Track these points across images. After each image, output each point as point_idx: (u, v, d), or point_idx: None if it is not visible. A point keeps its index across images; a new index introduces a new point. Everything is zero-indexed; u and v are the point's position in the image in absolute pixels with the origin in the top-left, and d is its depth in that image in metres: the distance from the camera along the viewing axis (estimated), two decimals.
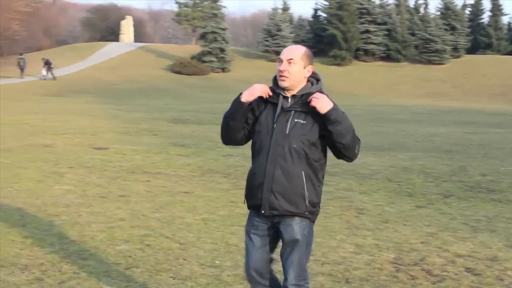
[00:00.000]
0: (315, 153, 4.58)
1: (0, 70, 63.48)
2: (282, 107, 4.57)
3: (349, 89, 57.81)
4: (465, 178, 13.30)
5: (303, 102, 4.56)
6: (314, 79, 4.74)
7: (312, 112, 4.50)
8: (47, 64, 55.89)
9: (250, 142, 4.80)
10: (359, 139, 4.61)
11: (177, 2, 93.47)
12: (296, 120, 4.51)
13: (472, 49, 74.36)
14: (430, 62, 67.72)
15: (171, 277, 6.48)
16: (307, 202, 4.56)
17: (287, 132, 4.49)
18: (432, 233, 8.68)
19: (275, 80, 4.67)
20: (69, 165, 13.59)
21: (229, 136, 4.77)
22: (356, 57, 70.65)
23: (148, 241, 7.77)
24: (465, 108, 42.27)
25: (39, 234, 7.96)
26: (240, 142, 4.81)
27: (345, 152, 4.59)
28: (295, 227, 4.60)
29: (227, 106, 4.81)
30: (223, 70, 66.92)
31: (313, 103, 4.43)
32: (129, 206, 9.71)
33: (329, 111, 4.41)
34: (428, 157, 16.41)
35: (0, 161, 13.70)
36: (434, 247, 7.97)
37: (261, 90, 4.59)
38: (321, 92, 4.62)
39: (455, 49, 69.85)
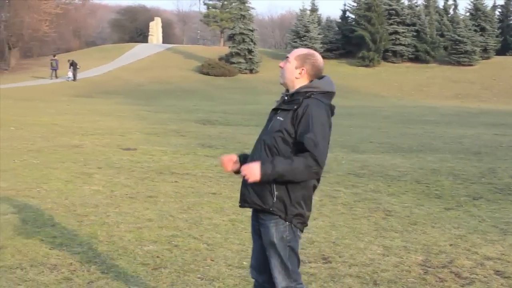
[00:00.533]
0: (287, 150, 4.50)
1: (31, 71, 64.09)
2: (275, 107, 4.72)
3: (377, 90, 57.62)
4: (495, 180, 13.19)
5: (289, 100, 4.61)
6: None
7: (290, 110, 4.53)
8: (73, 66, 56.35)
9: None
10: (311, 164, 4.39)
11: (205, 4, 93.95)
12: (278, 117, 4.60)
13: (502, 50, 73.61)
14: (459, 63, 67.23)
15: (198, 278, 6.50)
16: (274, 197, 4.51)
17: (268, 128, 4.64)
18: (461, 235, 8.62)
19: None
20: (97, 165, 13.68)
21: None
22: (385, 58, 70.31)
23: (176, 242, 7.80)
24: (494, 109, 41.93)
25: (68, 234, 8.01)
26: None
27: None
28: (272, 230, 4.58)
29: (254, 108, 4.89)
30: (251, 71, 66.97)
31: (247, 179, 4.47)
32: (157, 207, 9.74)
33: (262, 177, 4.40)
34: (457, 159, 16.31)
35: (30, 161, 13.82)
36: (463, 249, 7.91)
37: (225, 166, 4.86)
38: (306, 92, 4.61)
39: (485, 50, 69.24)
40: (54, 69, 57.88)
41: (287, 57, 4.72)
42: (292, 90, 4.66)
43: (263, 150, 4.56)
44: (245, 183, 4.58)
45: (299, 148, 4.46)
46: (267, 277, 4.75)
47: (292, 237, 4.62)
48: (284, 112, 4.57)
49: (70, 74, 56.29)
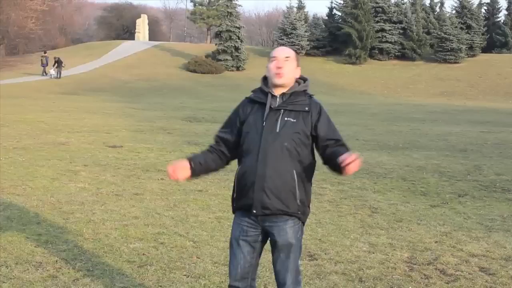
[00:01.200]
0: (305, 152, 4.56)
1: (16, 68, 63.81)
2: (271, 107, 4.54)
3: (364, 88, 57.73)
4: (480, 178, 13.25)
5: (291, 101, 4.56)
6: (301, 79, 4.71)
7: (301, 111, 4.53)
8: (58, 63, 56.30)
9: None
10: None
11: (192, 1, 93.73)
12: (286, 118, 4.50)
13: (488, 48, 73.97)
14: (445, 61, 67.46)
15: (184, 275, 6.49)
16: (298, 201, 4.53)
17: (277, 130, 4.47)
18: (446, 232, 8.65)
19: (265, 79, 4.67)
20: (83, 163, 13.64)
21: (225, 165, 4.96)
22: (371, 56, 70.49)
23: (161, 239, 7.79)
24: (480, 107, 42.08)
25: (53, 231, 7.99)
26: (234, 156, 4.84)
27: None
28: (289, 231, 4.56)
29: None
30: (238, 68, 66.98)
31: (350, 170, 4.39)
32: (143, 204, 9.73)
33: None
34: (443, 156, 16.37)
35: (15, 159, 13.77)
36: (448, 246, 7.94)
37: (170, 174, 4.72)
38: (307, 92, 4.67)
39: (471, 48, 69.54)
40: (44, 65, 58.20)
41: (287, 56, 4.58)
42: (287, 90, 4.60)
43: (280, 154, 4.46)
44: (260, 188, 4.45)
45: (326, 145, 4.60)
46: (249, 282, 4.71)
47: (301, 234, 4.69)
48: (292, 113, 4.52)
49: (53, 71, 56.16)
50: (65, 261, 6.80)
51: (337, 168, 4.47)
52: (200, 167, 4.74)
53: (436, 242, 8.14)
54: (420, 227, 8.92)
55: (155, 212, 9.25)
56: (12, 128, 20.03)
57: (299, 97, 4.59)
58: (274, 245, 4.62)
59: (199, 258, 7.10)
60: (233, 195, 4.75)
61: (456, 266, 7.13)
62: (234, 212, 4.79)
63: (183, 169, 4.68)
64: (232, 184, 4.79)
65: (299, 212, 4.57)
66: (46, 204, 9.51)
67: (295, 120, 4.50)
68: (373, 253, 7.54)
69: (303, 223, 4.68)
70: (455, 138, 21.05)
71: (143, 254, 7.17)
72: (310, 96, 4.65)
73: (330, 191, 11.33)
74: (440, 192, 11.68)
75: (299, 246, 4.65)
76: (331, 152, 4.55)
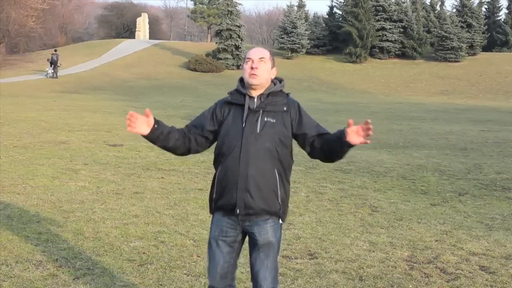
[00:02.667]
0: (284, 152, 4.58)
1: (17, 66, 63.78)
2: (249, 108, 4.57)
3: (364, 86, 57.67)
4: (480, 176, 13.25)
5: (269, 102, 4.59)
6: (277, 80, 4.74)
7: (280, 112, 4.58)
8: (54, 63, 56.28)
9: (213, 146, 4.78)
10: None
11: (192, 0, 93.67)
12: (266, 119, 4.54)
13: (488, 47, 73.91)
14: (445, 59, 67.38)
15: (184, 274, 6.50)
16: (279, 200, 4.57)
17: (258, 131, 4.51)
18: (447, 231, 8.66)
19: (241, 81, 4.69)
20: (84, 161, 13.64)
21: (182, 152, 4.85)
22: (372, 55, 70.39)
23: (162, 238, 7.80)
24: (480, 106, 42.08)
25: (53, 230, 7.99)
26: (200, 150, 4.83)
27: (333, 159, 4.70)
28: (269, 230, 4.57)
29: None
30: (238, 67, 66.84)
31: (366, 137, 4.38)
32: (143, 203, 9.73)
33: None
34: (443, 155, 16.37)
35: (16, 158, 13.77)
36: (449, 245, 7.95)
37: (128, 123, 4.57)
38: (284, 91, 4.69)
39: (471, 46, 69.44)
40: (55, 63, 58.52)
41: (262, 57, 4.61)
42: (264, 90, 4.63)
43: (262, 154, 4.50)
44: (243, 188, 4.46)
45: (313, 140, 4.60)
46: (229, 282, 4.73)
47: (281, 233, 4.70)
48: (271, 113, 4.56)
49: (50, 70, 56.16)
50: (65, 260, 6.80)
51: (335, 146, 4.52)
52: (161, 135, 4.66)
53: (436, 240, 8.15)
54: (420, 225, 8.93)
55: (155, 210, 9.25)
56: (12, 126, 20.03)
57: (277, 97, 4.63)
58: (253, 245, 4.64)
59: (199, 256, 7.10)
60: (211, 195, 4.73)
61: (456, 264, 7.14)
62: (212, 212, 4.78)
63: (144, 123, 4.60)
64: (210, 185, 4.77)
65: (281, 211, 4.60)
66: (46, 202, 9.51)
67: (274, 121, 4.54)
68: (374, 251, 7.55)
69: (283, 221, 4.70)
70: (456, 137, 21.06)
71: (144, 252, 7.17)
72: (287, 95, 4.71)
73: (330, 190, 11.33)
74: (441, 190, 11.69)
75: (278, 245, 4.67)
76: (323, 139, 4.59)
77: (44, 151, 14.91)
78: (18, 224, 8.19)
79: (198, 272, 6.55)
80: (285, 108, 4.59)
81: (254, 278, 4.66)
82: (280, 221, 4.65)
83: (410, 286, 6.43)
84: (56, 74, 55.70)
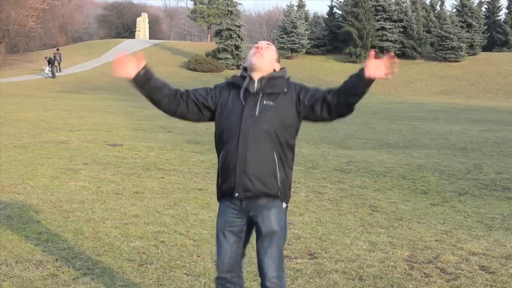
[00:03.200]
0: (285, 134, 4.56)
1: (17, 66, 63.78)
2: (249, 91, 4.57)
3: None
4: (480, 176, 13.25)
5: (269, 85, 4.59)
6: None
7: (280, 93, 4.57)
8: (51, 62, 56.39)
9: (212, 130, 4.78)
10: None
11: (192, 0, 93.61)
12: (265, 102, 4.54)
13: (488, 47, 73.97)
14: (445, 59, 67.42)
15: (184, 274, 6.50)
16: (279, 183, 4.56)
17: (256, 114, 4.51)
18: (447, 231, 8.65)
19: (244, 69, 4.69)
20: (84, 161, 13.64)
21: (164, 109, 4.78)
22: None
23: (162, 238, 7.79)
24: (480, 105, 42.09)
25: (53, 230, 7.99)
26: (188, 116, 4.79)
27: (348, 110, 4.58)
28: (273, 218, 4.59)
29: None
30: (238, 67, 66.86)
31: (390, 63, 4.35)
32: (143, 203, 9.73)
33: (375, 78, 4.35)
34: (443, 155, 16.37)
35: (16, 157, 13.77)
36: (449, 245, 7.95)
37: (116, 62, 4.60)
38: (285, 77, 4.67)
39: (471, 46, 69.48)
40: (58, 62, 58.83)
41: (269, 44, 4.68)
42: (265, 74, 4.61)
43: (260, 137, 4.50)
44: (241, 171, 4.48)
45: (324, 97, 4.54)
46: (236, 272, 4.75)
47: (286, 221, 4.72)
48: (271, 96, 4.56)
49: (47, 70, 56.22)
50: (65, 260, 6.80)
51: (352, 85, 4.47)
52: (147, 83, 4.68)
53: (436, 240, 8.14)
54: (420, 225, 8.93)
55: (155, 210, 9.25)
56: (12, 126, 20.04)
57: (277, 80, 4.62)
58: (258, 234, 4.66)
59: (199, 256, 7.10)
60: (217, 181, 4.76)
61: (456, 264, 7.13)
62: (219, 199, 4.80)
63: (131, 66, 4.63)
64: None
65: (280, 194, 4.60)
66: (46, 202, 9.51)
67: (273, 103, 4.54)
68: (373, 251, 7.54)
69: (286, 203, 4.69)
70: (456, 137, 21.06)
71: (143, 252, 7.17)
72: (288, 79, 4.69)
73: (330, 190, 11.33)
74: (440, 190, 11.68)
75: (284, 234, 4.69)
76: (337, 90, 4.55)
77: (44, 151, 14.91)
78: (18, 224, 8.19)
79: (198, 272, 6.55)
80: (285, 90, 4.58)
81: (259, 268, 4.69)
82: (284, 205, 4.65)
83: (410, 286, 6.43)
84: (54, 74, 55.72)
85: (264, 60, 4.59)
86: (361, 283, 6.43)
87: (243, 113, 4.52)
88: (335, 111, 4.56)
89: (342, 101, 4.50)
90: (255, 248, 4.71)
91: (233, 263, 4.70)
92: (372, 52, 4.35)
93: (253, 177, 4.49)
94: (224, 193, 4.69)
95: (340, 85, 4.52)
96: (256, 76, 4.61)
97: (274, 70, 4.68)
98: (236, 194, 4.55)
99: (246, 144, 4.48)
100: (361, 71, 4.34)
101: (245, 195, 4.53)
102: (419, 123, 27.17)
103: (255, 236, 4.71)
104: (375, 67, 4.31)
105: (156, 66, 63.29)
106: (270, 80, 4.60)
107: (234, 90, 4.66)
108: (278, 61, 4.74)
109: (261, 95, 4.56)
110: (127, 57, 4.59)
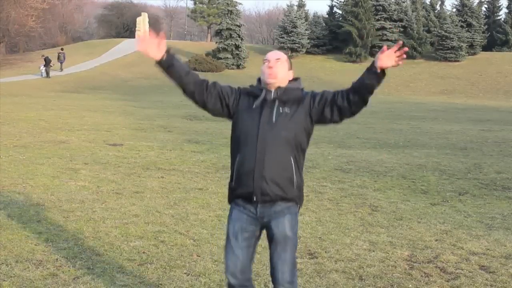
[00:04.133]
0: (300, 139, 4.69)
1: (17, 66, 63.79)
2: (266, 99, 4.68)
3: None
4: (480, 176, 13.25)
5: (286, 94, 4.70)
6: (294, 80, 4.86)
7: (296, 100, 4.70)
8: (46, 62, 56.35)
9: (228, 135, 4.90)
10: None
11: None
12: (281, 110, 4.65)
13: (488, 46, 73.96)
14: (445, 59, 67.45)
15: (184, 274, 6.50)
16: (295, 186, 4.68)
17: (273, 121, 4.61)
18: (447, 230, 8.65)
19: (259, 81, 4.81)
20: (84, 161, 13.64)
21: (189, 94, 4.90)
22: (372, 54, 70.21)
23: (162, 238, 7.79)
24: (480, 105, 42.08)
25: (53, 230, 7.99)
26: (208, 106, 4.94)
27: (360, 106, 4.67)
28: (287, 224, 4.65)
29: None
30: (238, 66, 67.00)
31: (400, 55, 4.43)
32: (143, 203, 9.73)
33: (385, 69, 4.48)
34: (443, 155, 16.37)
35: (16, 157, 13.77)
36: (449, 244, 7.95)
37: (139, 42, 4.72)
38: (300, 87, 4.81)
39: (471, 46, 69.53)
40: (61, 62, 58.97)
41: (278, 58, 4.74)
42: (281, 85, 4.71)
43: (283, 143, 4.61)
44: (259, 176, 4.56)
45: (330, 98, 4.69)
46: (248, 276, 4.78)
47: (297, 226, 4.79)
48: (287, 103, 4.68)
49: (43, 70, 56.20)
50: (65, 259, 6.80)
51: (364, 80, 4.55)
52: (172, 67, 4.78)
53: (436, 240, 8.14)
54: (420, 225, 8.93)
55: (155, 210, 9.25)
56: (12, 126, 20.03)
57: (293, 91, 4.74)
58: (272, 239, 4.70)
59: (199, 256, 7.10)
60: (230, 185, 4.80)
61: (456, 264, 7.13)
62: (230, 201, 4.83)
63: (157, 48, 4.73)
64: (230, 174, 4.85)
65: (296, 198, 4.72)
66: (46, 202, 9.51)
67: (289, 110, 4.66)
68: (373, 251, 7.54)
69: (300, 206, 4.83)
70: (456, 137, 21.06)
71: (143, 252, 7.17)
72: (302, 89, 4.81)
73: (330, 189, 11.33)
74: (441, 190, 11.68)
75: (296, 239, 4.73)
76: (349, 89, 4.66)
77: (44, 151, 14.91)
78: (18, 224, 8.18)
79: (198, 272, 6.55)
80: (300, 98, 4.72)
81: (272, 273, 4.72)
82: (298, 209, 4.76)
83: (410, 285, 6.43)
84: (48, 74, 55.66)
85: (278, 77, 4.70)
86: (361, 283, 6.43)
87: (261, 119, 4.63)
88: (347, 111, 4.67)
89: (355, 98, 4.60)
90: (268, 253, 4.75)
91: (245, 267, 4.74)
92: (385, 47, 4.43)
93: (271, 181, 4.58)
94: (239, 197, 4.73)
95: (350, 85, 4.63)
96: (272, 87, 4.73)
97: (289, 81, 4.79)
98: (255, 198, 4.62)
99: (264, 149, 4.58)
100: (372, 65, 4.47)
101: (263, 199, 4.61)
102: (419, 122, 27.17)
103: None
104: (386, 57, 4.43)
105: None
106: (287, 90, 4.72)
107: (252, 98, 4.77)
108: (291, 68, 4.84)
109: (277, 102, 4.68)
110: (149, 35, 4.69)
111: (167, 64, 4.74)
